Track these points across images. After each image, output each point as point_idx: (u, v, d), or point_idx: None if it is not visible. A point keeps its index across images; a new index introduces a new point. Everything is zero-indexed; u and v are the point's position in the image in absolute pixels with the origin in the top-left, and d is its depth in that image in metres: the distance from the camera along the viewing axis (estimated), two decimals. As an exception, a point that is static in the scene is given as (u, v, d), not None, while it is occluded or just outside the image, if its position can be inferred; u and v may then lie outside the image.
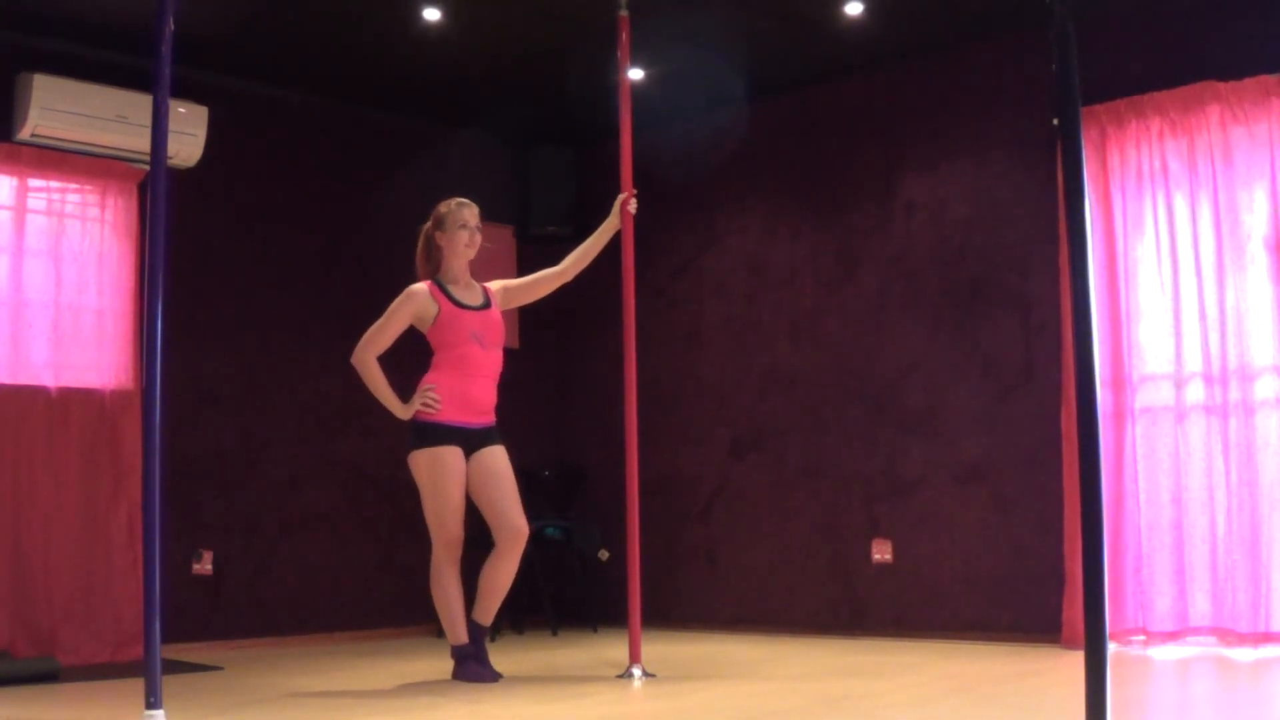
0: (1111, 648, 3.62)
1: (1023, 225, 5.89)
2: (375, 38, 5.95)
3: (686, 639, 6.24)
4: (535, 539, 6.80)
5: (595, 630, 6.79)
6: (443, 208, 4.98)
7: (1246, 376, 5.15)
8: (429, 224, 5.01)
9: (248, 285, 6.37)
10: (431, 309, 4.85)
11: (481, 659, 4.75)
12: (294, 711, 4.07)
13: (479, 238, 4.97)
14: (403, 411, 4.81)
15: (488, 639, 4.90)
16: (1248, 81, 5.19)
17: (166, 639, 3.47)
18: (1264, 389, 5.12)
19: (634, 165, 5.06)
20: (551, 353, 7.63)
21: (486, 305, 4.93)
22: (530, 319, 7.46)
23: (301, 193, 6.62)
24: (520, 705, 4.17)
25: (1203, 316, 5.27)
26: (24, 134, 5.53)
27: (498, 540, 4.82)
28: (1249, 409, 5.13)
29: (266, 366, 6.40)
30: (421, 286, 4.91)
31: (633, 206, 5.03)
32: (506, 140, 7.43)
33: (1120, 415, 5.42)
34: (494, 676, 4.71)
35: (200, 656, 5.67)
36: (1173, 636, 5.23)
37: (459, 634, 4.75)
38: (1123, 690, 4.08)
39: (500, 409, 7.26)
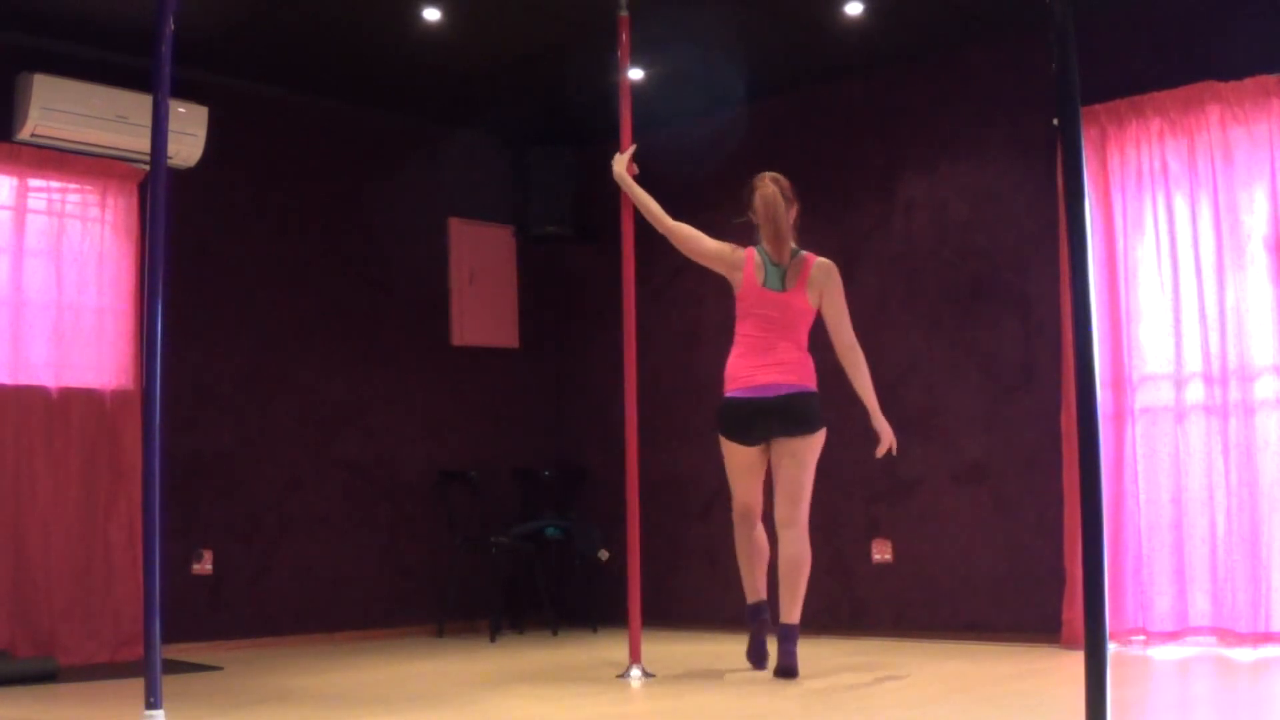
0: (1111, 648, 3.62)
1: (1023, 225, 5.89)
2: (375, 38, 5.95)
3: (686, 639, 6.24)
4: (535, 539, 6.82)
5: (595, 630, 6.78)
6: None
7: (1246, 376, 5.15)
8: (788, 192, 4.86)
9: (248, 285, 6.37)
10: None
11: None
12: (294, 711, 4.07)
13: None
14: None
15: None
16: (1248, 81, 5.19)
17: (166, 639, 3.47)
18: (1264, 389, 5.12)
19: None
20: (551, 353, 7.63)
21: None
22: (530, 319, 7.48)
23: (301, 193, 6.62)
24: (520, 705, 4.17)
25: (1203, 316, 5.27)
26: (24, 134, 5.53)
27: None
28: (1249, 409, 5.13)
29: (266, 366, 6.40)
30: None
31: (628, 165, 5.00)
32: (506, 140, 7.43)
33: (1120, 415, 5.42)
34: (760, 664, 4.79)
35: (200, 656, 5.67)
36: (1173, 636, 5.23)
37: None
38: (1123, 690, 4.08)
39: (498, 409, 7.31)
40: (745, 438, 4.71)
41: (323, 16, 5.69)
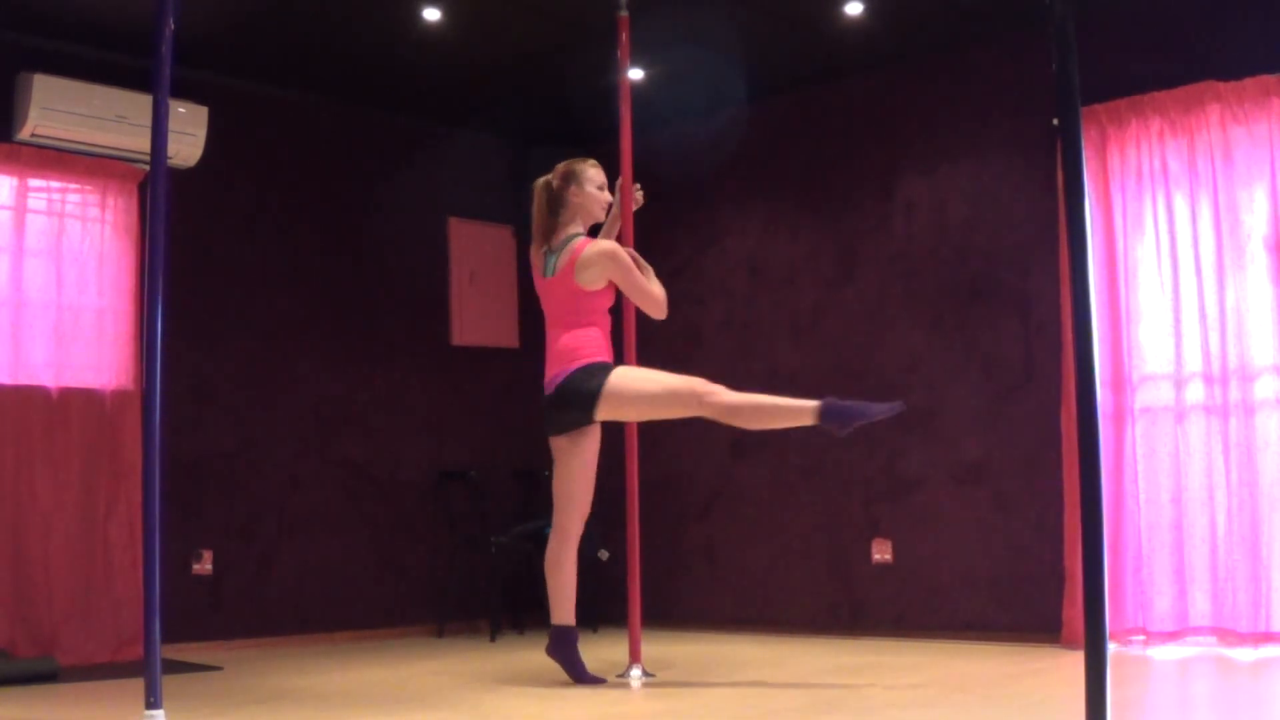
0: (1111, 648, 3.62)
1: (1023, 225, 5.89)
2: (375, 38, 5.95)
3: (686, 639, 6.24)
4: (535, 539, 6.82)
5: (595, 630, 6.78)
6: (576, 165, 4.94)
7: (1246, 376, 5.15)
8: (556, 179, 4.95)
9: (248, 285, 6.37)
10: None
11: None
12: (294, 711, 4.07)
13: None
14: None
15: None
16: (1248, 81, 5.19)
17: (166, 639, 3.47)
18: (1264, 389, 5.12)
19: (634, 165, 5.08)
20: (551, 353, 7.62)
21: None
22: (530, 319, 7.47)
23: (301, 193, 6.62)
24: (520, 705, 4.17)
25: (1203, 316, 5.27)
26: (24, 134, 5.53)
27: None
28: (1249, 409, 5.13)
29: (266, 366, 6.40)
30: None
31: (639, 196, 5.03)
32: (506, 140, 7.43)
33: (1120, 415, 5.42)
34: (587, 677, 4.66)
35: (200, 656, 5.67)
36: (1173, 636, 5.23)
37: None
38: (1123, 690, 4.08)
39: (498, 409, 7.30)
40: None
41: (322, 17, 5.69)
